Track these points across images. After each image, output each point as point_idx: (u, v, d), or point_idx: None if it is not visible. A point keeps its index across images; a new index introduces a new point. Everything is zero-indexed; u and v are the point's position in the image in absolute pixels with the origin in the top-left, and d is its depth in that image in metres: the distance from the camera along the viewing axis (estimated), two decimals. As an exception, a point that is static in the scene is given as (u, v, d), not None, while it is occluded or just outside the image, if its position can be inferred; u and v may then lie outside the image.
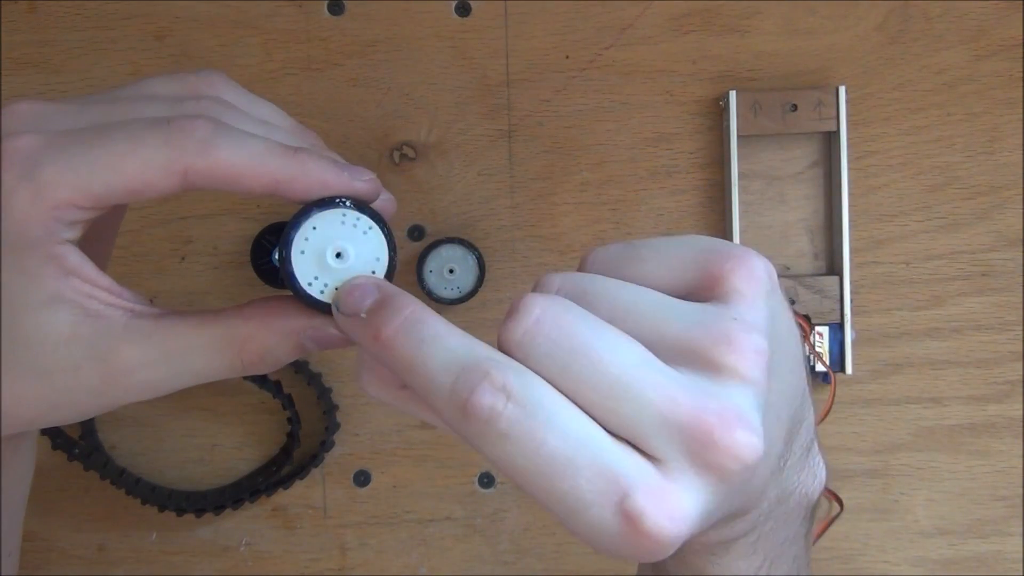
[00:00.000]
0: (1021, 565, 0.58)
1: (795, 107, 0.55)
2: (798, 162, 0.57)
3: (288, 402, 0.56)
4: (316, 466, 0.57)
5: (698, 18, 0.57)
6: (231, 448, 0.58)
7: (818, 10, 0.57)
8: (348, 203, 0.30)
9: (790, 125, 0.55)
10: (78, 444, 0.56)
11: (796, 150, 0.57)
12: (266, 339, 0.30)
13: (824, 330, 0.56)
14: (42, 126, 0.30)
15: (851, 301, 0.56)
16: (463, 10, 0.57)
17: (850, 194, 0.56)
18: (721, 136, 0.57)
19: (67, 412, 0.31)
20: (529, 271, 0.57)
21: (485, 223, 0.57)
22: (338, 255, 0.30)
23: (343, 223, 0.30)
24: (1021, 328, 0.58)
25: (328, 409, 0.56)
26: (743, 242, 0.57)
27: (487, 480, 0.58)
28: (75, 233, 0.30)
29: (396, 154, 0.57)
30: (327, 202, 0.30)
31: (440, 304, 0.56)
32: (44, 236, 0.29)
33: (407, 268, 0.57)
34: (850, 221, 0.56)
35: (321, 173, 0.30)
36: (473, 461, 0.58)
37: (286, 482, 0.57)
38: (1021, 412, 0.58)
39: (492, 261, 0.57)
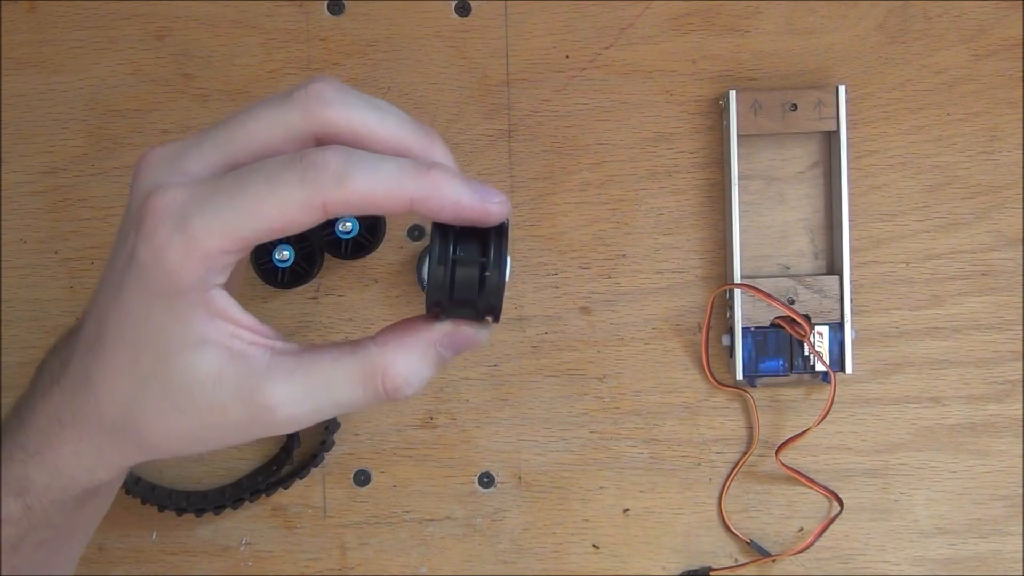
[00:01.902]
0: (1021, 565, 0.58)
1: (795, 107, 0.55)
2: (798, 162, 0.57)
3: (288, 402, 0.56)
4: (316, 465, 0.57)
5: (698, 18, 0.57)
6: (231, 448, 0.58)
7: (818, 10, 0.57)
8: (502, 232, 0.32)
9: (790, 125, 0.55)
10: (78, 444, 0.56)
11: (796, 150, 0.57)
12: (406, 361, 0.32)
13: (824, 329, 0.56)
14: (179, 172, 0.31)
15: (851, 300, 0.56)
16: (463, 10, 0.57)
17: (850, 194, 0.56)
18: (721, 136, 0.57)
19: (212, 445, 0.33)
20: (529, 271, 0.57)
21: (485, 223, 0.57)
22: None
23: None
24: (1021, 328, 0.58)
25: (328, 409, 0.56)
26: (743, 242, 0.57)
27: (487, 480, 0.58)
28: (224, 277, 0.31)
29: (396, 154, 0.57)
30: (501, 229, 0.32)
31: (440, 304, 0.56)
32: (197, 284, 0.30)
33: (407, 268, 0.57)
34: (850, 221, 0.56)
35: (455, 194, 0.30)
36: (473, 461, 0.58)
37: (286, 481, 0.57)
38: (1021, 412, 0.58)
39: (492, 261, 0.57)
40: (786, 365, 0.56)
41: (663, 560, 0.58)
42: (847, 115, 0.55)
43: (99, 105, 0.57)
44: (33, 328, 0.57)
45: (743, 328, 0.56)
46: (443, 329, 0.32)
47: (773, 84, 0.57)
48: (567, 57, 0.57)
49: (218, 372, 0.31)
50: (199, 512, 0.56)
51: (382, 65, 0.57)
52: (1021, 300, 0.58)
